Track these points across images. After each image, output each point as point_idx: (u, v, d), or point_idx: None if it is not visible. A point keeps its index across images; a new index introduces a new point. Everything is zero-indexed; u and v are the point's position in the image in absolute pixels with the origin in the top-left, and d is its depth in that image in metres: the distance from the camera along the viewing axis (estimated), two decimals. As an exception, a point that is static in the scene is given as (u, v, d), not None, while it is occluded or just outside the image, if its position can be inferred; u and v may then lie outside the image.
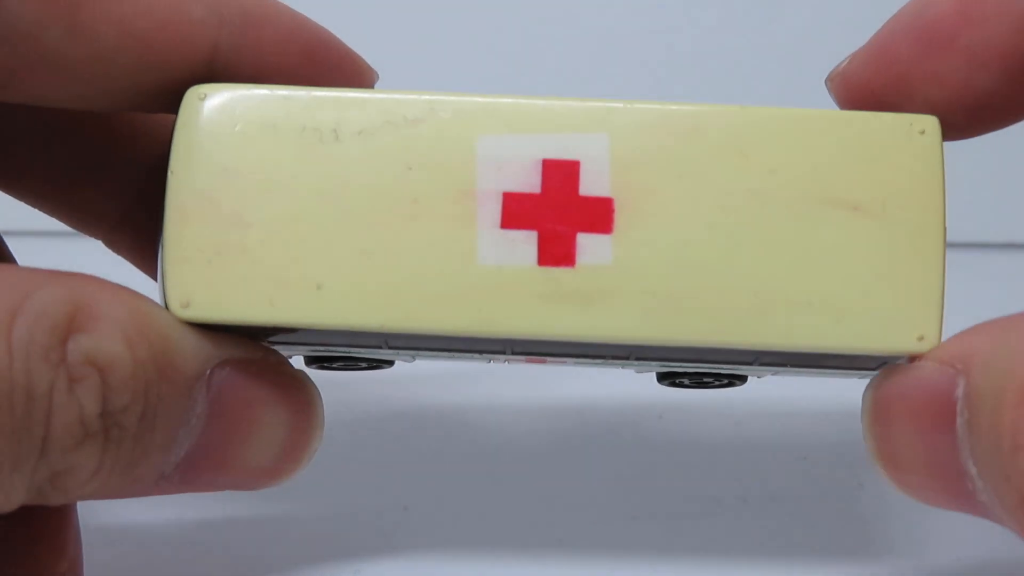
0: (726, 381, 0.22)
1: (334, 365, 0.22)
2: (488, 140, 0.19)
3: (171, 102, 0.20)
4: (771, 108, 0.19)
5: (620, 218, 0.19)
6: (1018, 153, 0.28)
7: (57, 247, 0.25)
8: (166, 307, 0.19)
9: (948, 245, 0.19)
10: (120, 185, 0.24)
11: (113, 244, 0.24)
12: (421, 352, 0.21)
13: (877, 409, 0.19)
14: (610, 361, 0.21)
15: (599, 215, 0.19)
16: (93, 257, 0.24)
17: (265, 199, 0.19)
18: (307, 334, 0.20)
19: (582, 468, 0.27)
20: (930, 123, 0.19)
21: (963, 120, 0.20)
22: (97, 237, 0.24)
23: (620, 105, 0.19)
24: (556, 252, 0.19)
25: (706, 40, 0.39)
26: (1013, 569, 0.23)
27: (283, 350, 0.21)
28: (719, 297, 0.19)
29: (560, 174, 0.19)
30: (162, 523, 0.24)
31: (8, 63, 0.19)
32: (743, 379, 0.22)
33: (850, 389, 0.21)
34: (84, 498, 0.19)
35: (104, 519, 0.24)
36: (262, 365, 0.20)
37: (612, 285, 0.19)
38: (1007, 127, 0.21)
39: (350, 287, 0.19)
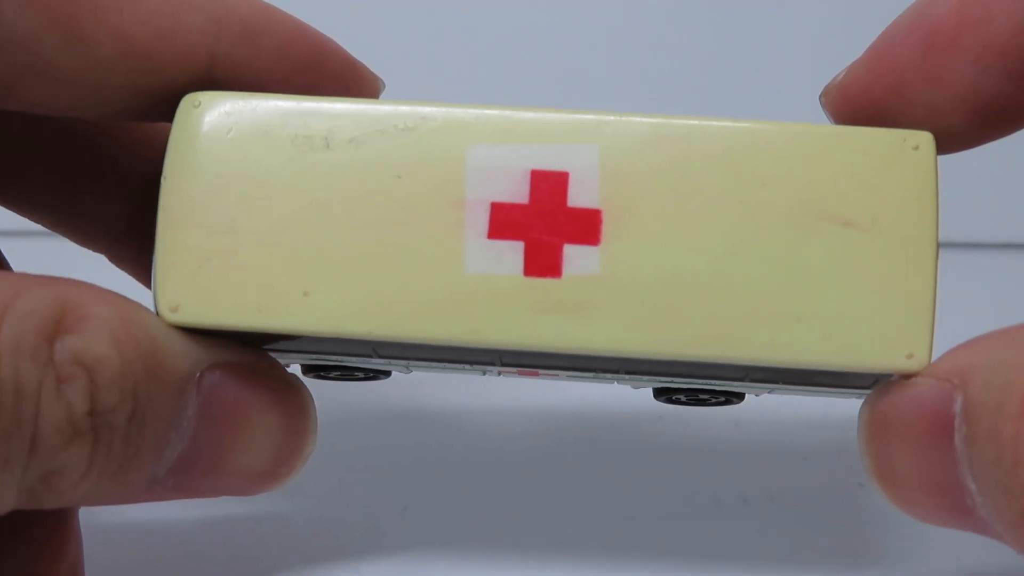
0: (723, 399, 0.22)
1: (331, 375, 0.23)
2: (477, 150, 0.19)
3: (170, 111, 0.20)
4: (763, 123, 0.19)
5: (608, 230, 0.19)
6: (1016, 152, 0.27)
7: (55, 249, 0.25)
8: (156, 313, 0.19)
9: (943, 245, 0.19)
10: (121, 196, 0.24)
11: (117, 259, 0.24)
12: (413, 362, 0.21)
13: (873, 426, 0.19)
14: (601, 375, 0.21)
15: (587, 226, 0.19)
16: (91, 260, 0.24)
17: (256, 206, 0.19)
18: (298, 342, 0.20)
19: (582, 469, 0.27)
20: (924, 139, 0.19)
21: (965, 125, 0.20)
22: (101, 251, 0.24)
23: (611, 118, 0.19)
24: (543, 263, 0.19)
25: (698, 54, 0.39)
26: (1013, 571, 0.23)
27: (279, 359, 0.21)
28: (706, 310, 0.18)
29: (548, 185, 0.19)
30: (162, 523, 0.24)
31: (5, 72, 0.19)
32: (740, 397, 0.22)
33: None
34: (77, 502, 0.19)
35: (105, 519, 0.24)
36: (254, 369, 0.20)
37: (599, 297, 0.18)
38: (1009, 135, 0.20)
39: (337, 294, 0.19)
